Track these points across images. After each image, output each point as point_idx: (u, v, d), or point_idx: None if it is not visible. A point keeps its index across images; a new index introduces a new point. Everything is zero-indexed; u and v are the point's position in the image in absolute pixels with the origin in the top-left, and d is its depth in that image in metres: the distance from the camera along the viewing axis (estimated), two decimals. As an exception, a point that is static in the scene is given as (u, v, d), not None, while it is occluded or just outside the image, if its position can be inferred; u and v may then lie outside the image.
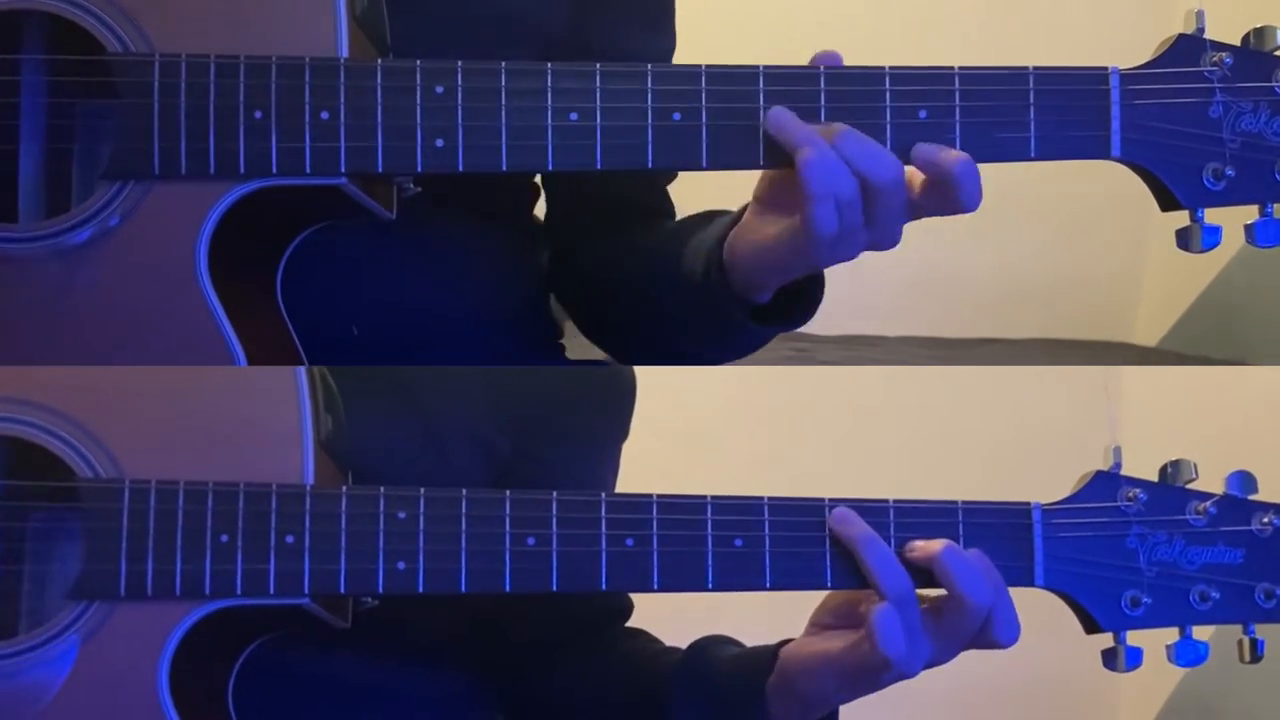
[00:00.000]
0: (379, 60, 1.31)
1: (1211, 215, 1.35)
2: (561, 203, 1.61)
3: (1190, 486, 1.37)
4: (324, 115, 1.30)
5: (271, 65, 1.30)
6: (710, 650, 1.44)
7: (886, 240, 1.34)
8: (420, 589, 1.30)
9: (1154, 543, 1.35)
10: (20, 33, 1.35)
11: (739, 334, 1.45)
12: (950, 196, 1.32)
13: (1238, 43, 1.35)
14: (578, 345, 1.66)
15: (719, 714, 1.40)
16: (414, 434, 1.43)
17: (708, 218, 1.48)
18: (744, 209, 1.40)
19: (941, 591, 1.32)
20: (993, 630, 1.32)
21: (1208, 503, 1.36)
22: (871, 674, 1.32)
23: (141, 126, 1.30)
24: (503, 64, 1.31)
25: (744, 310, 1.41)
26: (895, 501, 1.35)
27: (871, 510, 1.34)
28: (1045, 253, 3.51)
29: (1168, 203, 1.36)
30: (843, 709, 1.41)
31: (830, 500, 1.34)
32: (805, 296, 1.43)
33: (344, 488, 1.31)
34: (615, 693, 1.49)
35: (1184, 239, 1.36)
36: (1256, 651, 1.36)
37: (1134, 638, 1.35)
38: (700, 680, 1.42)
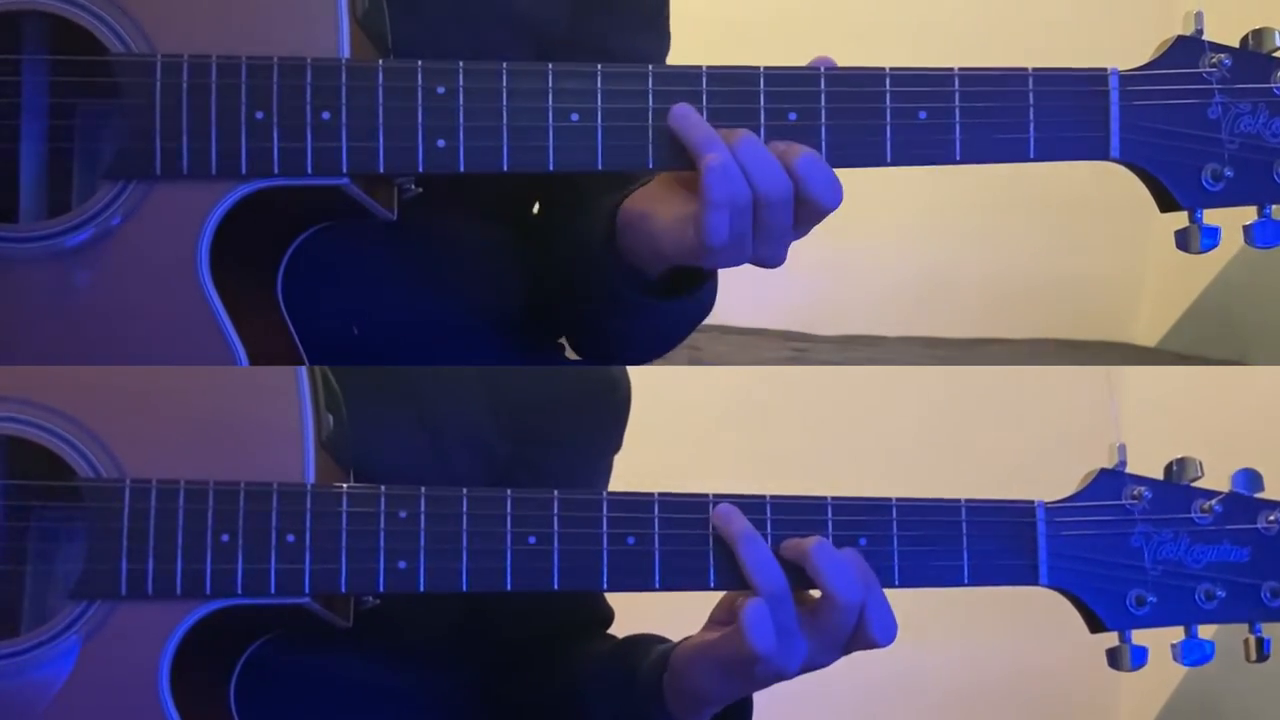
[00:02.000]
0: (380, 61, 1.32)
1: (1210, 216, 1.35)
2: (539, 199, 1.61)
3: (1195, 484, 1.36)
4: (325, 115, 1.30)
5: (273, 66, 1.30)
6: (632, 649, 1.45)
7: (771, 257, 1.34)
8: (421, 588, 1.30)
9: (1159, 541, 1.35)
10: (21, 33, 1.35)
11: (636, 310, 1.44)
12: (806, 201, 1.32)
13: (1236, 44, 1.35)
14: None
15: (629, 713, 1.41)
16: (414, 438, 1.44)
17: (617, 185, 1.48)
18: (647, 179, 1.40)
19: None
20: (869, 629, 1.32)
21: (1213, 501, 1.36)
22: (743, 668, 1.32)
23: (143, 126, 1.30)
24: (504, 64, 1.31)
25: (633, 283, 1.41)
26: (897, 501, 1.35)
27: (875, 508, 1.35)
28: (1045, 253, 3.50)
29: (1167, 204, 1.36)
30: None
31: (832, 499, 1.34)
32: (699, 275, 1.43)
33: (345, 486, 1.31)
34: (559, 694, 1.49)
35: (1182, 240, 1.36)
36: (1263, 650, 1.36)
37: (1139, 636, 1.35)
38: (616, 680, 1.42)
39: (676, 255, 1.37)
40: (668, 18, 1.61)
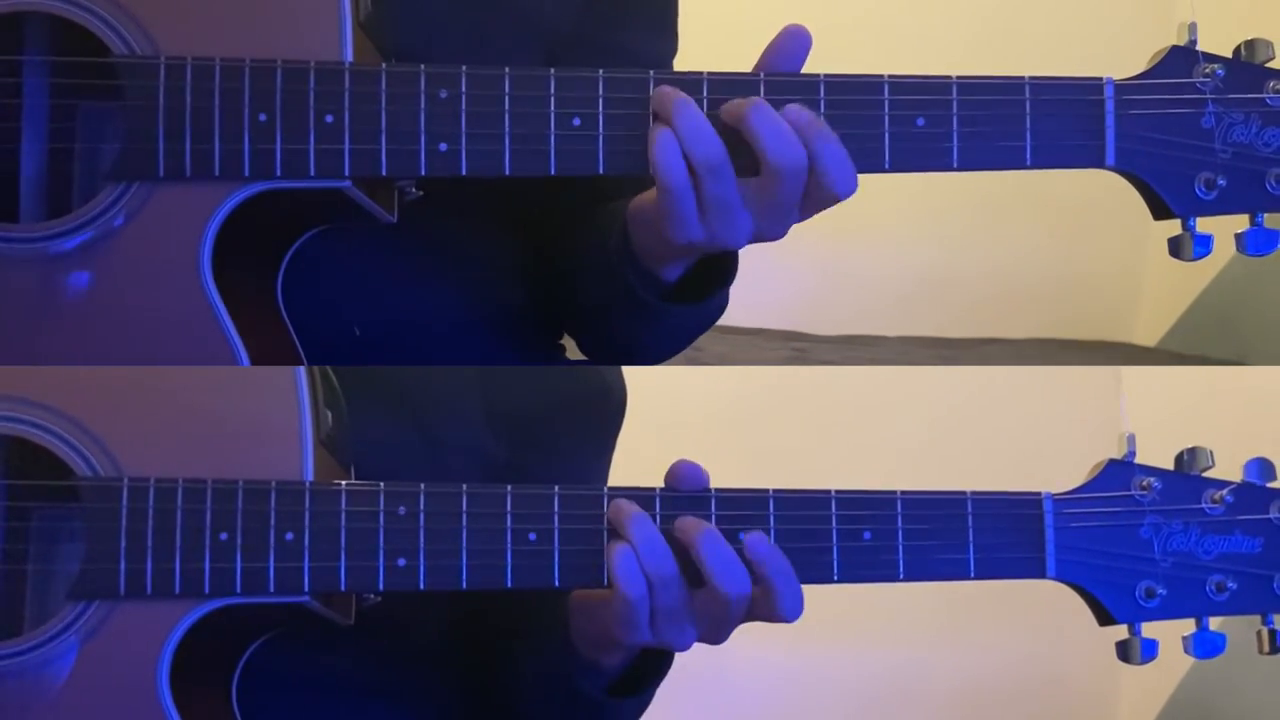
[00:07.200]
0: (383, 65, 1.32)
1: (1203, 224, 1.35)
2: (538, 201, 1.61)
3: (1206, 474, 1.35)
4: (328, 118, 1.31)
5: (277, 69, 1.30)
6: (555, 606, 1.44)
7: (771, 230, 1.34)
8: (421, 586, 1.30)
9: (1169, 532, 1.33)
10: (23, 33, 1.35)
11: (651, 314, 1.44)
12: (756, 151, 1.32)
13: (1229, 55, 1.35)
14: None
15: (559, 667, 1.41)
16: (410, 443, 1.44)
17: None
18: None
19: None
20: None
21: (1224, 491, 1.34)
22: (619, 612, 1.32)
23: (146, 128, 1.30)
24: (506, 70, 1.32)
25: (649, 285, 1.41)
26: (902, 493, 1.34)
27: (879, 501, 1.34)
28: (1045, 253, 3.51)
29: (1160, 211, 1.36)
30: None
31: (836, 492, 1.34)
32: (719, 272, 1.43)
33: (343, 484, 1.31)
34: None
35: (1175, 247, 1.36)
36: (1275, 642, 1.34)
37: (1148, 629, 1.33)
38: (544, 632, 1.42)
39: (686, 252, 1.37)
40: (676, 19, 1.62)
